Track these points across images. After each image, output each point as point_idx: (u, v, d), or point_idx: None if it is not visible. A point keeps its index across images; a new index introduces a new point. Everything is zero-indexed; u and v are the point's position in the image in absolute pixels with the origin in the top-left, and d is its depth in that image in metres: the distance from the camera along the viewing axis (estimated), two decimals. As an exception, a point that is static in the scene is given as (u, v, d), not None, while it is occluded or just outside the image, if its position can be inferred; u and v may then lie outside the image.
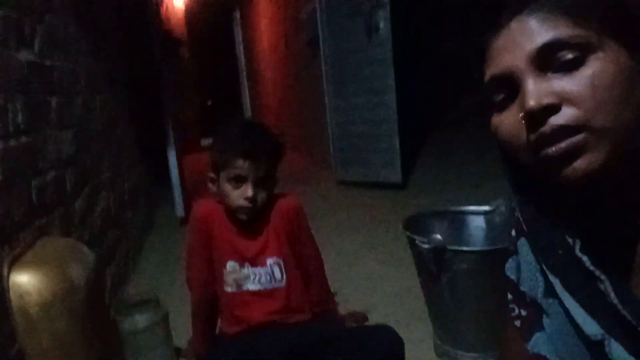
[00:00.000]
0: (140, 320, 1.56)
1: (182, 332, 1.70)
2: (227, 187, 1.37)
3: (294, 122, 6.47)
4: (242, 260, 1.42)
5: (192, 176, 4.17)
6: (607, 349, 0.53)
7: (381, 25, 3.64)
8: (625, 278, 0.57)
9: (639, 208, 0.55)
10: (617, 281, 0.54)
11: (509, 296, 0.69)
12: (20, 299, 1.12)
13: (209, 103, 10.24)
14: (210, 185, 1.45)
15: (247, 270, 1.42)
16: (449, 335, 1.53)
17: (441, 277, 1.46)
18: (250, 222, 1.42)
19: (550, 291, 0.61)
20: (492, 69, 0.57)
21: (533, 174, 0.57)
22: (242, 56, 9.43)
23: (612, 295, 0.53)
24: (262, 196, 1.38)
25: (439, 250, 1.41)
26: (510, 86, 0.55)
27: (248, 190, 1.35)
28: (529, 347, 0.64)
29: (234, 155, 1.35)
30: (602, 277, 0.54)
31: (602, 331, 0.54)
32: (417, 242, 1.46)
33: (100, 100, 2.43)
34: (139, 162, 3.32)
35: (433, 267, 1.45)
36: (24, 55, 1.48)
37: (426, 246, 1.43)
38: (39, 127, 1.55)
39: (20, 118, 1.40)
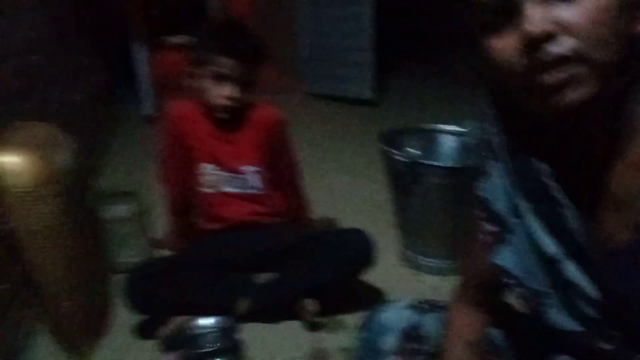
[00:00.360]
0: (121, 209, 1.61)
1: (157, 225, 1.76)
2: (207, 84, 1.36)
3: (261, 28, 6.23)
4: (219, 163, 1.44)
5: (158, 75, 4.03)
6: (562, 268, 0.61)
7: None
8: (592, 210, 0.62)
9: (610, 145, 0.59)
10: (577, 208, 0.60)
11: (479, 213, 0.74)
12: (10, 181, 1.13)
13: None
14: (188, 80, 1.42)
15: (223, 173, 1.45)
16: (414, 243, 1.66)
17: (413, 189, 1.55)
18: (230, 127, 1.43)
19: (516, 211, 0.67)
20: None
21: (517, 100, 0.59)
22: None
23: (571, 220, 0.60)
24: (240, 93, 1.38)
25: (413, 164, 1.50)
26: (508, 10, 0.55)
27: (228, 88, 1.35)
28: (495, 260, 0.71)
29: (216, 51, 1.34)
30: (565, 202, 0.61)
31: (560, 252, 0.61)
32: (392, 155, 1.54)
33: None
34: (105, 58, 3.18)
35: (407, 180, 1.54)
36: None
37: (402, 159, 1.51)
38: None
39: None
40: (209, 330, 1.20)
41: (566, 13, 0.52)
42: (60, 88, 1.98)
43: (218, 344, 1.15)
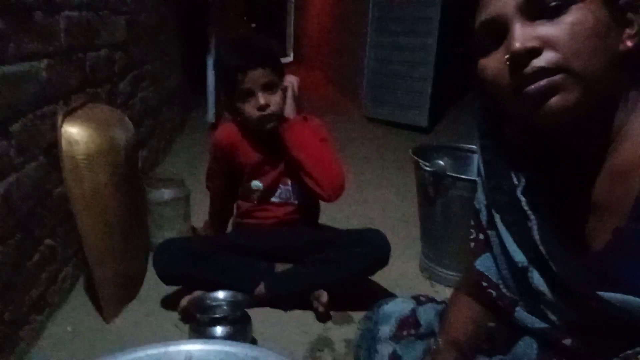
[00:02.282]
0: (165, 193, 1.76)
1: (200, 215, 1.90)
2: (242, 107, 1.44)
3: (332, 54, 6.48)
4: (268, 180, 1.54)
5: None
6: (529, 276, 0.65)
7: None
8: (570, 218, 0.66)
9: (596, 154, 0.63)
10: (550, 218, 0.65)
11: (472, 222, 0.80)
12: (70, 147, 1.29)
13: (253, 26, 10.17)
14: (234, 121, 1.52)
15: (272, 188, 1.55)
16: (434, 254, 1.69)
17: (437, 200, 1.60)
18: (274, 143, 1.48)
19: (491, 223, 0.73)
20: (482, 16, 0.63)
21: (510, 112, 0.64)
22: (294, -19, 9.27)
23: (535, 233, 0.65)
24: (275, 101, 1.43)
25: (438, 175, 1.55)
26: (498, 32, 0.61)
27: (258, 99, 1.41)
28: (476, 265, 0.76)
29: (234, 73, 1.41)
30: (532, 216, 0.65)
31: (526, 261, 0.66)
32: (420, 164, 1.60)
33: (152, -3, 2.55)
34: (180, 66, 3.47)
35: (431, 190, 1.59)
36: None
37: (428, 169, 1.56)
38: (99, 6, 1.69)
39: (83, -6, 1.55)
40: (223, 301, 1.30)
41: (549, 29, 0.57)
42: (138, 87, 2.22)
43: (228, 313, 1.24)
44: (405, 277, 1.70)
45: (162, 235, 1.76)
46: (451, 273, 1.64)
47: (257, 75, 1.40)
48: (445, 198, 1.58)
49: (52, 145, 1.31)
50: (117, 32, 1.92)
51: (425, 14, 3.75)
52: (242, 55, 1.42)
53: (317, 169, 1.42)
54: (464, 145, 1.83)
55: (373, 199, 2.48)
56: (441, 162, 1.56)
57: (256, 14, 10.29)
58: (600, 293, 0.58)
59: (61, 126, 1.30)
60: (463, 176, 1.53)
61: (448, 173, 1.54)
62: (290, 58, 10.11)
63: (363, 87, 4.40)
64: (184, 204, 1.81)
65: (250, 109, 1.43)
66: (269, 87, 1.43)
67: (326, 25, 7.00)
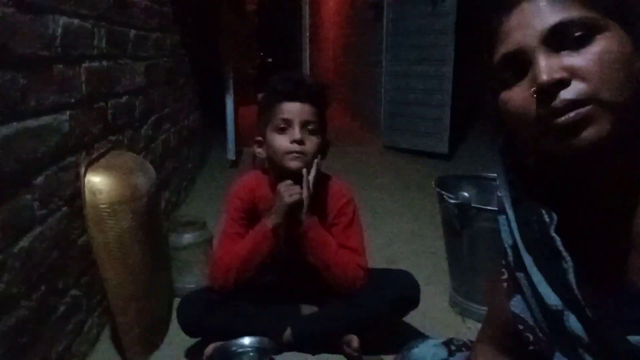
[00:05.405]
0: (185, 237, 1.75)
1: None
2: (274, 138, 1.35)
3: (348, 84, 6.52)
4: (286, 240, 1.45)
5: (244, 126, 4.36)
6: (565, 319, 0.61)
7: (447, -6, 3.63)
8: (607, 256, 0.63)
9: (631, 188, 0.60)
10: (578, 263, 0.61)
11: (503, 261, 0.76)
12: (93, 196, 1.30)
13: (269, 60, 10.34)
14: (257, 150, 1.43)
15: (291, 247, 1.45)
16: (463, 288, 1.64)
17: (463, 232, 1.56)
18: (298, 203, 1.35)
19: (519, 265, 0.68)
20: (504, 47, 0.61)
21: (536, 147, 0.62)
22: (307, 15, 9.43)
23: (571, 275, 0.61)
24: (311, 142, 1.35)
25: (463, 207, 1.51)
26: (520, 64, 0.59)
27: (295, 133, 1.33)
28: (510, 306, 0.72)
29: (278, 100, 1.35)
30: (567, 257, 0.62)
31: (561, 303, 0.62)
32: (444, 197, 1.56)
33: (170, 41, 2.61)
34: (198, 106, 3.52)
35: (456, 222, 1.55)
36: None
37: (452, 201, 1.52)
38: (118, 55, 1.73)
39: (103, 44, 1.58)
40: (249, 347, 1.27)
41: (575, 60, 0.56)
42: (159, 130, 2.25)
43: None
44: (435, 312, 1.65)
45: (184, 280, 1.74)
46: (482, 308, 1.57)
47: (302, 110, 1.34)
48: (472, 230, 1.53)
49: (75, 195, 1.32)
50: (137, 78, 1.96)
51: (440, 42, 3.76)
52: (293, 85, 1.36)
53: (329, 276, 1.39)
54: (488, 174, 1.79)
55: (397, 231, 2.44)
56: (466, 194, 1.53)
57: (271, 49, 10.46)
58: (630, 338, 0.54)
59: (84, 176, 1.31)
60: (489, 207, 1.49)
61: (473, 204, 1.50)
62: (307, 90, 10.21)
63: (381, 116, 4.40)
64: (205, 248, 1.79)
65: (281, 141, 1.34)
66: (308, 127, 1.36)
67: (341, 56, 7.07)
